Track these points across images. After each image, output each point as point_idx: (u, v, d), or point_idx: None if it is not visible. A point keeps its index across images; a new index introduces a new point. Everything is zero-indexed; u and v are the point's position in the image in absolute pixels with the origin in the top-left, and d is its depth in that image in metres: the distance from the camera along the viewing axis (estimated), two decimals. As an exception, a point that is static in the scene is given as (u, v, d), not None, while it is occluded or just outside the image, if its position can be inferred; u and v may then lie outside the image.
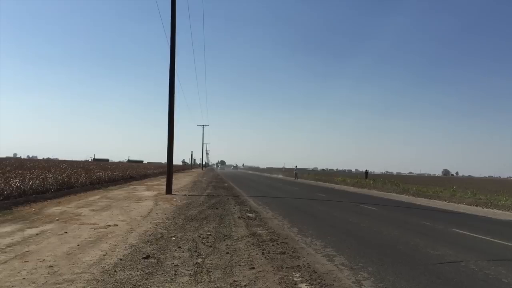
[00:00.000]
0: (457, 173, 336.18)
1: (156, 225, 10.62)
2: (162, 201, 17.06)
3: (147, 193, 21.66)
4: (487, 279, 6.44)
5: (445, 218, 15.43)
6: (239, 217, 12.66)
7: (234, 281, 5.82)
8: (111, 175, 30.50)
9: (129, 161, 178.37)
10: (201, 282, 5.70)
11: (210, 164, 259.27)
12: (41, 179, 18.35)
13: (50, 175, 20.52)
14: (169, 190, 21.41)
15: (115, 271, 6.04)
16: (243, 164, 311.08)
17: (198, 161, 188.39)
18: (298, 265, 6.81)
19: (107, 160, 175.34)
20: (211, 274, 6.12)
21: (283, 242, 8.83)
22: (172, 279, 5.78)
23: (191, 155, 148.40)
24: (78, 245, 7.79)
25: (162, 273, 6.02)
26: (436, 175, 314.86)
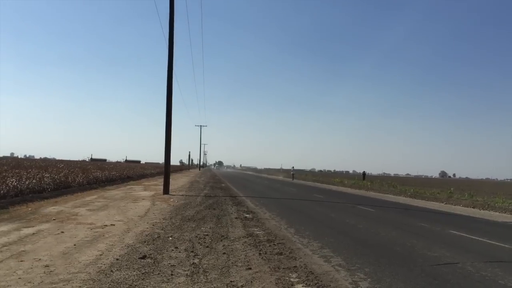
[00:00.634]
0: (454, 175, 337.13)
1: (153, 225, 10.60)
2: (159, 201, 17.03)
3: (144, 193, 21.62)
4: (483, 280, 6.44)
5: (442, 219, 15.45)
6: (236, 218, 12.64)
7: (231, 281, 5.80)
8: (108, 175, 30.44)
9: (126, 161, 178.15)
10: (197, 282, 5.69)
11: (207, 164, 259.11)
12: (38, 179, 18.29)
13: (47, 175, 20.46)
14: (166, 190, 21.37)
15: (112, 271, 6.02)
16: (240, 165, 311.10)
17: (195, 162, 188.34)
18: (295, 266, 6.80)
19: (105, 160, 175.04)
20: (207, 274, 6.10)
21: (280, 243, 8.81)
22: (168, 279, 5.76)
23: (189, 155, 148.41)
24: (74, 244, 7.77)
25: (158, 273, 6.00)
26: (433, 176, 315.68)
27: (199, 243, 8.44)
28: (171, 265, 6.48)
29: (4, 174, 18.27)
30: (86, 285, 5.35)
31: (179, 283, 5.62)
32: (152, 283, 5.55)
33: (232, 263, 6.86)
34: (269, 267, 6.66)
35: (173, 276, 5.93)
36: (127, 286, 5.38)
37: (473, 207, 21.67)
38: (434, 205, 22.92)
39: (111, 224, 10.40)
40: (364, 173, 72.61)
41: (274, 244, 8.61)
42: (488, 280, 6.45)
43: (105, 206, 14.46)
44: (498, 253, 8.95)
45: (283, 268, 6.62)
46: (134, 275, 5.86)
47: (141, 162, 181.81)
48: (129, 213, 12.89)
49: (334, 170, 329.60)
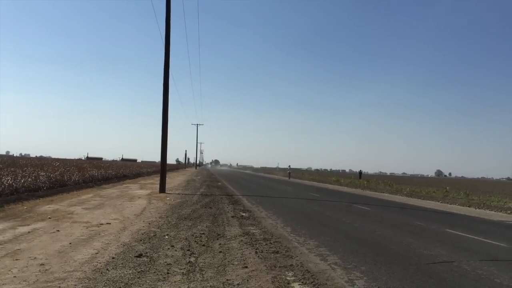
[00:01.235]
0: (450, 174, 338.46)
1: (149, 223, 10.57)
2: (155, 200, 17.00)
3: (140, 191, 21.58)
4: (479, 279, 6.46)
5: (438, 218, 15.50)
6: (232, 216, 12.63)
7: (227, 280, 5.80)
8: (105, 174, 30.36)
9: (122, 159, 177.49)
10: (193, 281, 5.68)
11: (204, 163, 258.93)
12: (33, 177, 18.22)
13: (42, 173, 20.39)
14: (162, 189, 21.34)
15: (107, 269, 6.00)
16: (237, 164, 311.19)
17: (192, 160, 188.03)
18: (291, 264, 6.79)
19: (101, 158, 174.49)
20: (204, 273, 6.09)
21: (276, 242, 8.81)
22: (164, 277, 5.75)
23: (185, 154, 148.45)
24: (70, 243, 7.74)
25: (154, 272, 5.99)
26: (429, 175, 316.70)
27: (195, 241, 8.43)
28: (167, 264, 6.47)
29: (-1, 172, 18.19)
30: (81, 283, 5.33)
31: (175, 281, 5.61)
32: (148, 281, 5.54)
33: (228, 261, 6.86)
34: (266, 265, 6.65)
35: (169, 274, 5.92)
36: (123, 284, 5.36)
37: (469, 206, 21.75)
38: (430, 204, 22.99)
39: (107, 223, 10.37)
40: (360, 172, 72.67)
41: (270, 243, 8.61)
42: (483, 279, 6.47)
43: (101, 204, 14.42)
44: (494, 251, 8.98)
45: (280, 267, 6.61)
46: (130, 273, 5.84)
47: (137, 161, 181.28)
48: (125, 211, 12.86)
49: (331, 169, 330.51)
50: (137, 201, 16.13)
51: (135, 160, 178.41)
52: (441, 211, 18.86)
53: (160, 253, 7.18)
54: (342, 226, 11.96)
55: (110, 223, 10.33)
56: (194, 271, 6.16)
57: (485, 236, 11.11)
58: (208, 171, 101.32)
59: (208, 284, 5.55)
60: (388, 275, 6.43)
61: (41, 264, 6.14)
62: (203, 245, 8.07)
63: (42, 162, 41.80)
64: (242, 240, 8.77)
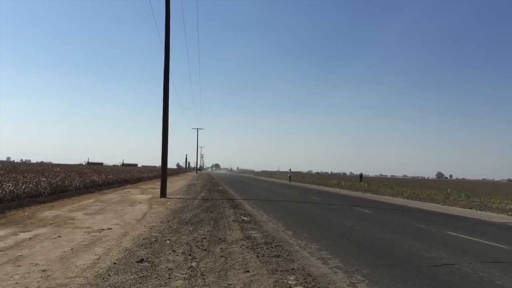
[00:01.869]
0: (451, 175, 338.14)
1: (150, 228, 10.58)
2: (156, 205, 17.00)
3: (141, 196, 21.58)
4: (481, 281, 6.46)
5: (439, 220, 15.49)
6: (233, 221, 12.63)
7: (229, 284, 5.80)
8: (105, 179, 30.37)
9: (123, 164, 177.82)
10: (195, 285, 5.68)
11: (204, 167, 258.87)
12: (34, 183, 18.24)
13: (43, 179, 20.41)
14: (163, 194, 21.34)
15: (109, 275, 6.01)
16: (237, 168, 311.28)
17: (192, 165, 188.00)
18: (293, 268, 6.80)
19: (101, 163, 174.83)
20: (205, 277, 6.09)
21: (277, 245, 8.81)
22: (166, 283, 5.75)
23: (186, 158, 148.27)
24: (71, 249, 7.74)
25: (156, 277, 5.99)
26: (430, 178, 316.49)
27: (196, 246, 8.43)
28: (169, 269, 6.47)
29: (0, 178, 18.22)
30: (83, 289, 5.33)
31: (176, 286, 5.61)
32: (149, 286, 5.54)
33: (229, 266, 6.86)
34: (267, 269, 6.66)
35: (171, 279, 5.92)
36: (125, 290, 5.37)
37: (470, 208, 21.73)
38: (431, 206, 22.97)
39: (108, 228, 10.37)
40: (361, 175, 72.62)
41: (271, 247, 8.61)
42: (485, 281, 6.47)
43: (102, 209, 14.43)
44: (495, 254, 8.97)
45: (281, 271, 6.61)
46: (131, 279, 5.85)
47: (138, 166, 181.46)
48: (126, 216, 12.86)
49: (331, 172, 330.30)
50: (138, 206, 16.14)
51: (135, 165, 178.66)
52: (442, 213, 18.84)
53: (161, 258, 7.19)
54: (343, 229, 11.96)
55: (111, 228, 10.34)
56: (196, 276, 6.17)
57: (486, 238, 11.10)
58: (208, 175, 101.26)
59: (209, 289, 5.55)
60: (389, 278, 6.43)
61: (43, 270, 6.15)
62: (205, 250, 8.07)
63: (43, 168, 41.87)
64: (243, 244, 8.78)
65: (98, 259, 7.01)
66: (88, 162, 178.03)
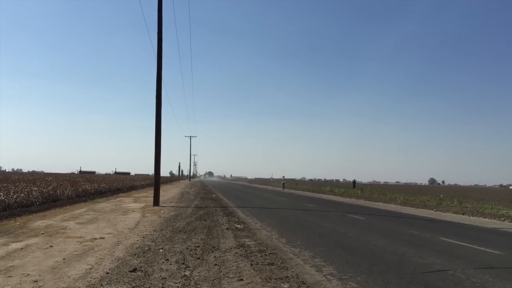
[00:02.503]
0: (443, 181, 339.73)
1: (143, 237, 10.52)
2: (149, 213, 16.91)
3: (134, 205, 21.46)
4: (474, 287, 6.48)
5: (432, 226, 15.53)
6: (227, 228, 12.60)
7: (223, 293, 5.77)
8: (98, 188, 30.18)
9: (116, 173, 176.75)
10: (189, 294, 5.64)
11: (198, 175, 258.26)
12: (26, 192, 18.09)
13: (35, 188, 20.25)
14: (156, 202, 21.25)
15: (101, 285, 5.96)
16: (231, 175, 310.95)
17: (186, 173, 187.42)
18: (287, 276, 6.78)
19: (94, 172, 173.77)
20: (199, 286, 6.06)
21: (271, 253, 8.80)
22: (159, 292, 5.71)
23: (179, 166, 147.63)
24: (63, 259, 7.68)
25: (149, 286, 5.95)
26: (422, 184, 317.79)
27: (190, 254, 8.39)
28: (162, 278, 6.43)
29: (-9, 188, 18.04)
30: (75, 300, 5.28)
31: (170, 296, 5.57)
32: (143, 296, 5.50)
33: (223, 274, 6.83)
34: (261, 277, 6.64)
35: (164, 289, 5.88)
36: (118, 300, 5.32)
37: (463, 214, 21.82)
38: (424, 212, 23.04)
39: (100, 237, 10.30)
40: (354, 182, 72.79)
41: (265, 255, 8.59)
42: (478, 287, 6.49)
43: (95, 219, 14.33)
44: (488, 259, 9.01)
45: (275, 279, 6.60)
46: (124, 288, 5.80)
47: (130, 174, 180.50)
48: (119, 225, 12.78)
49: (325, 179, 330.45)
50: (131, 215, 16.04)
51: (128, 173, 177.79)
52: (435, 219, 18.91)
53: (154, 267, 7.14)
54: (337, 236, 11.96)
55: (104, 238, 10.26)
56: (189, 284, 6.13)
57: (479, 243, 11.15)
58: (202, 183, 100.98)
59: (203, 298, 5.52)
60: (383, 285, 6.43)
61: (34, 281, 6.09)
62: (198, 258, 8.04)
63: (35, 177, 41.55)
64: (237, 252, 8.75)
65: (90, 269, 6.95)
66: (80, 171, 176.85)
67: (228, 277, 6.64)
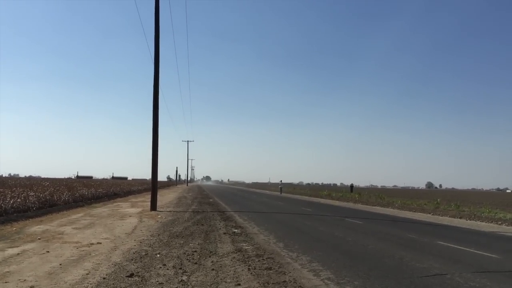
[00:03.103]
0: (440, 185, 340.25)
1: (140, 242, 10.48)
2: (146, 218, 16.87)
3: (131, 210, 21.40)
4: (472, 291, 6.46)
5: (429, 230, 15.54)
6: (224, 233, 12.57)
7: (220, 298, 5.74)
8: (95, 192, 30.12)
9: (113, 178, 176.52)
10: (186, 300, 5.62)
11: (195, 179, 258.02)
12: (22, 198, 18.02)
13: (32, 193, 20.18)
14: (153, 207, 21.19)
15: (98, 290, 5.92)
16: (228, 179, 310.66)
17: (183, 177, 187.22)
18: (284, 281, 6.76)
19: (91, 177, 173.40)
20: (196, 291, 6.03)
21: (269, 258, 8.78)
22: (156, 297, 5.68)
23: (176, 171, 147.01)
24: (60, 264, 7.64)
25: (146, 292, 5.92)
26: (420, 188, 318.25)
27: (187, 259, 8.36)
28: (159, 283, 6.40)
29: (-13, 193, 17.96)
30: (72, 305, 5.25)
31: (167, 301, 5.55)
32: (140, 301, 5.47)
33: (221, 279, 6.80)
34: (259, 282, 6.61)
35: (161, 294, 5.85)
36: (115, 305, 5.29)
37: (460, 218, 21.84)
38: (421, 216, 23.05)
39: (97, 242, 10.26)
40: (351, 186, 72.86)
41: (263, 259, 8.57)
42: (476, 291, 6.48)
43: (92, 224, 14.28)
44: (486, 263, 9.00)
45: (273, 283, 6.57)
46: (121, 294, 5.77)
47: (128, 179, 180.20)
48: (116, 230, 12.74)
49: (322, 183, 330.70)
50: (128, 220, 16.00)
51: (125, 178, 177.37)
52: (433, 223, 18.92)
53: (152, 272, 7.11)
54: (334, 241, 11.95)
55: (101, 243, 10.22)
56: (187, 290, 6.10)
57: (477, 247, 11.15)
58: (199, 187, 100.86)
59: (201, 303, 5.50)
60: (381, 289, 6.41)
61: (31, 287, 6.05)
62: (195, 263, 8.01)
63: (32, 182, 41.40)
64: (234, 257, 8.72)
65: (87, 274, 6.91)
66: (77, 176, 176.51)
67: (225, 282, 6.62)
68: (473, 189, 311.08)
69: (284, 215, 21.48)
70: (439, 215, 23.80)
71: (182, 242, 10.66)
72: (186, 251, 9.34)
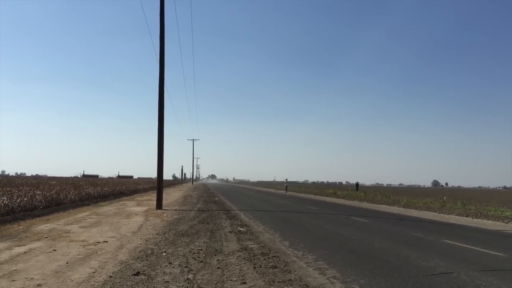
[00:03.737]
0: (446, 184, 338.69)
1: (146, 241, 10.52)
2: (152, 217, 16.92)
3: (137, 208, 21.47)
4: (478, 289, 6.44)
5: (435, 229, 15.48)
6: (230, 232, 12.59)
7: (226, 296, 5.76)
8: (101, 191, 30.25)
9: (119, 176, 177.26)
10: (192, 298, 5.64)
11: (200, 178, 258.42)
12: (29, 196, 18.14)
13: (38, 192, 20.31)
14: (159, 205, 21.26)
15: (105, 288, 5.95)
16: (233, 178, 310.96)
17: (188, 176, 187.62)
18: (290, 279, 6.77)
19: (97, 176, 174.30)
20: (202, 289, 6.05)
21: (274, 256, 8.78)
22: (162, 295, 5.71)
23: (182, 169, 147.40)
24: (67, 262, 7.69)
25: (152, 290, 5.95)
26: (426, 186, 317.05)
27: (193, 258, 8.39)
28: (165, 281, 6.43)
29: (-5, 192, 18.09)
30: (79, 303, 5.28)
31: (173, 299, 5.57)
32: (146, 300, 5.50)
33: (226, 277, 6.82)
34: (264, 281, 6.62)
35: (167, 292, 5.87)
36: (121, 303, 5.32)
37: (466, 216, 21.75)
38: (427, 214, 22.97)
39: (104, 241, 10.31)
40: (357, 184, 72.74)
41: (268, 258, 8.58)
42: (482, 289, 6.46)
43: (98, 222, 14.35)
44: (493, 262, 8.97)
45: (278, 282, 6.58)
46: (127, 292, 5.80)
47: (133, 177, 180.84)
48: (122, 229, 12.79)
49: (327, 182, 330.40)
50: (134, 218, 16.06)
51: (131, 177, 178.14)
52: (439, 221, 18.85)
53: (157, 271, 7.14)
54: (340, 239, 11.93)
55: (107, 241, 10.27)
56: (193, 288, 6.12)
57: (483, 246, 11.11)
58: (204, 186, 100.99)
59: (206, 301, 5.51)
60: (387, 288, 6.41)
61: (38, 285, 6.09)
62: (201, 262, 8.03)
63: (38, 181, 41.69)
64: (240, 256, 8.74)
65: (93, 272, 6.95)
66: (83, 175, 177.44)
67: (231, 280, 6.63)
68: (479, 187, 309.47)
69: (289, 213, 21.48)
70: (445, 213, 23.71)
71: (187, 240, 10.69)
72: (192, 249, 9.36)
